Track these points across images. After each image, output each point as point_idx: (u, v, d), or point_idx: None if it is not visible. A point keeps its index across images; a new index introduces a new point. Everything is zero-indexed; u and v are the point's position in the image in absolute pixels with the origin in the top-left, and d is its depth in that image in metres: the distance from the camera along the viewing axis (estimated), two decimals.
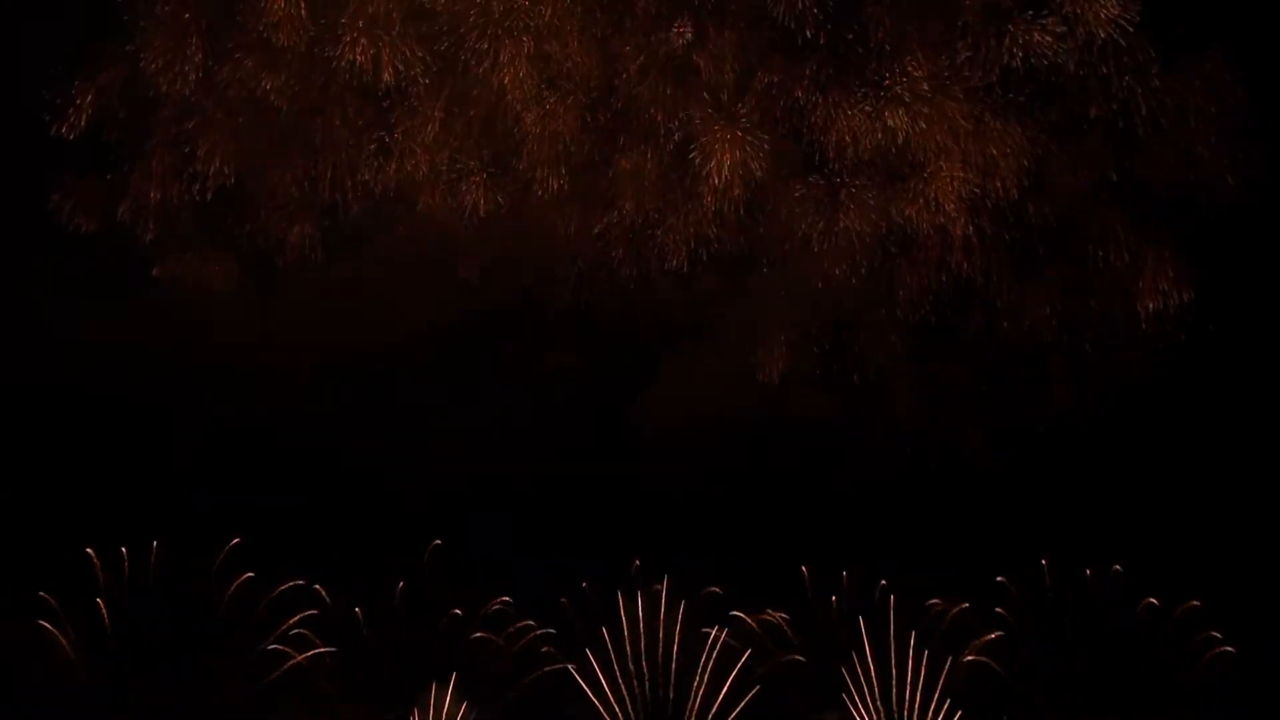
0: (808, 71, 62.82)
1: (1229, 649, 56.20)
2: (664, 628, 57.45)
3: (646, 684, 56.80)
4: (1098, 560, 58.50)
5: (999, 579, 57.92)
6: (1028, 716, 56.13)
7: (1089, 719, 55.73)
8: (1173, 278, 61.98)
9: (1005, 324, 62.63)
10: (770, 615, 58.00)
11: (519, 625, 56.70)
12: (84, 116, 58.43)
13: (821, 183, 62.92)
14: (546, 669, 56.60)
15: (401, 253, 59.60)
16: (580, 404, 60.07)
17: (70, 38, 57.91)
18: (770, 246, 62.56)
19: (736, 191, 62.67)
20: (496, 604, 56.69)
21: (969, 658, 56.48)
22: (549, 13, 61.67)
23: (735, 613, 57.95)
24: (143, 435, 57.62)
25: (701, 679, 57.19)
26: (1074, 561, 58.56)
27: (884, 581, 58.03)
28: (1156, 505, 58.64)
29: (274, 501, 56.48)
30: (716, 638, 57.31)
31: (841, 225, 62.42)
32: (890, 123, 62.51)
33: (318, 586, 56.51)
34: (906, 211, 63.20)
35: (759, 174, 62.55)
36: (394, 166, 61.13)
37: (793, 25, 62.35)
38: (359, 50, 61.20)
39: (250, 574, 56.32)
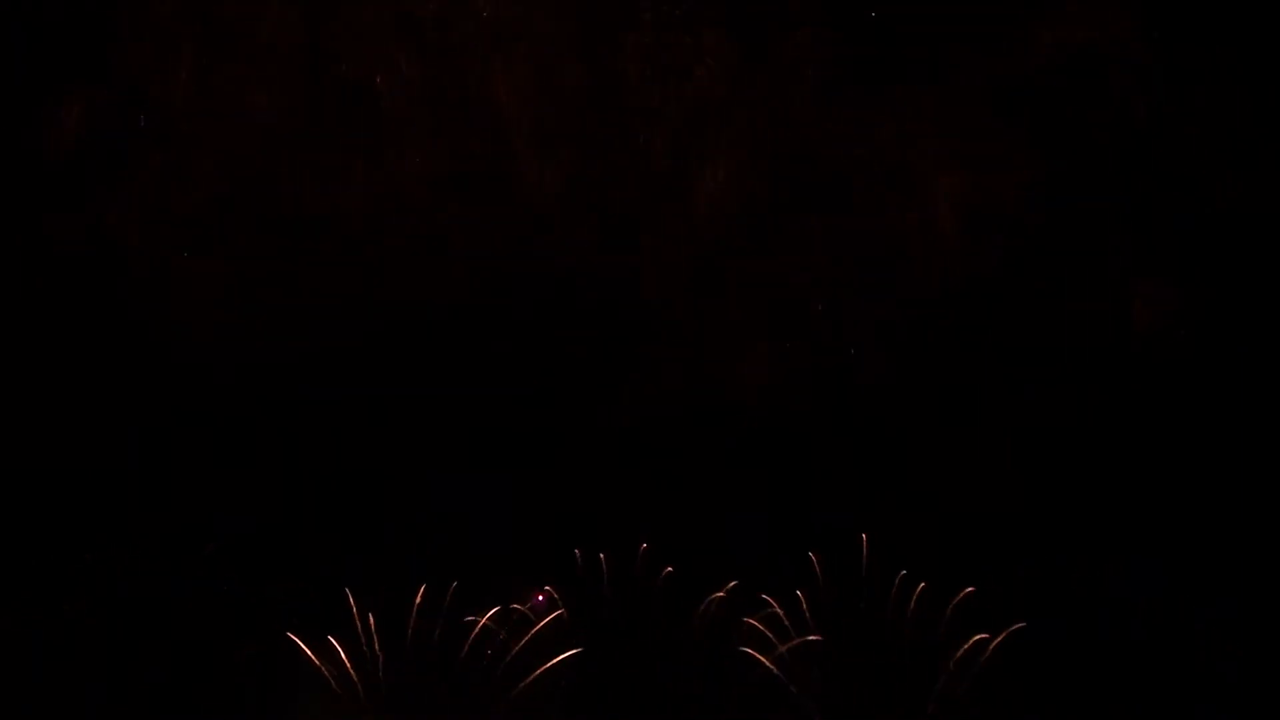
0: (806, 77, 63.22)
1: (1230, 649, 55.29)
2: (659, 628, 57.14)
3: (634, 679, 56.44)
4: (1092, 560, 57.83)
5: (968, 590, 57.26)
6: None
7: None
8: (1175, 281, 61.52)
9: (1002, 326, 62.14)
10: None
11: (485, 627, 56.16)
12: (70, 138, 59.14)
13: (817, 187, 63.07)
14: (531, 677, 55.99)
15: (382, 249, 59.80)
16: (551, 402, 59.94)
17: (53, 46, 58.57)
18: (760, 246, 62.30)
19: (730, 196, 63.07)
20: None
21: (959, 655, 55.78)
22: (542, 21, 62.35)
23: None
24: (126, 434, 57.80)
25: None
26: (1066, 562, 57.84)
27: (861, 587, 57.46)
28: (1153, 506, 57.99)
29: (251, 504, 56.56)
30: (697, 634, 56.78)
31: (835, 227, 62.38)
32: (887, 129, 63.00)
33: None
34: (904, 219, 63.37)
35: (753, 180, 63.17)
36: (388, 170, 61.82)
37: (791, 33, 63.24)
38: (352, 58, 62.18)
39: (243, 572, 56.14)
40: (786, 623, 56.05)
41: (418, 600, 54.73)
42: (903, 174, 63.56)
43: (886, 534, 57.85)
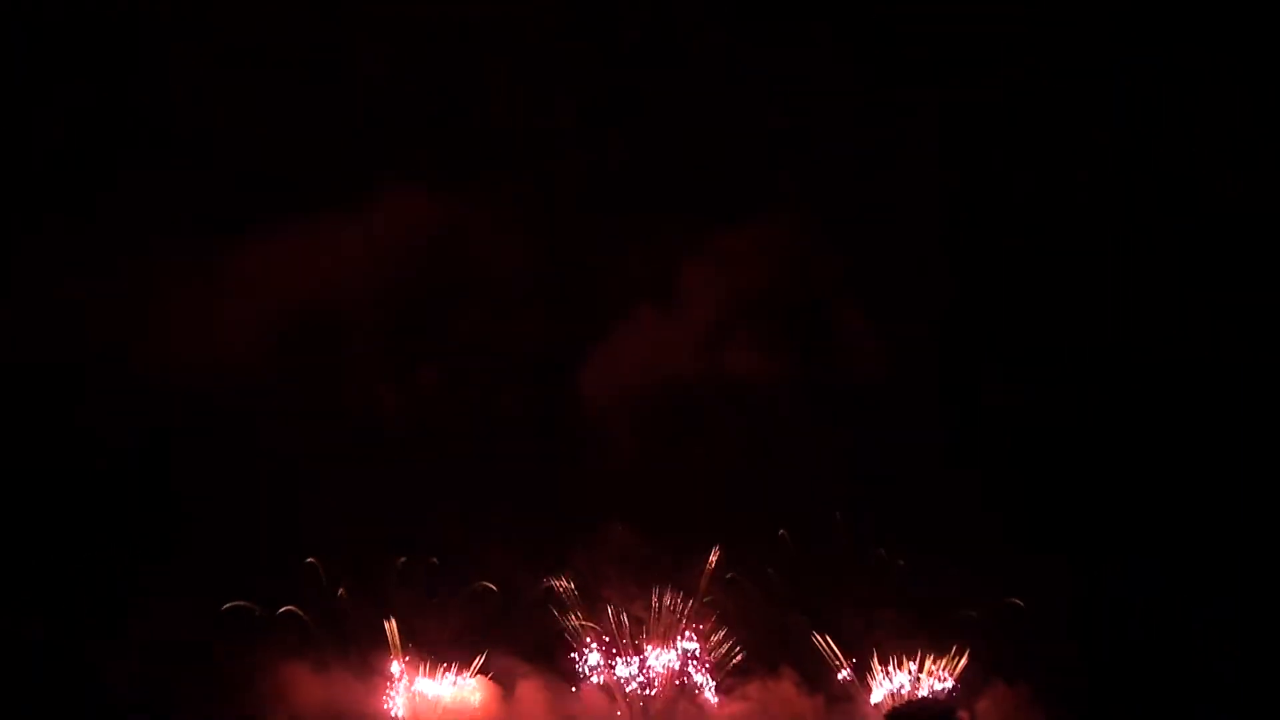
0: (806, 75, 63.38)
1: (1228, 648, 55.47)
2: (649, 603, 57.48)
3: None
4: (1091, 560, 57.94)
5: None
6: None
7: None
8: (1175, 281, 61.63)
9: (1002, 326, 62.22)
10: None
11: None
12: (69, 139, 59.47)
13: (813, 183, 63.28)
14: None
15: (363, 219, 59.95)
16: (534, 369, 60.57)
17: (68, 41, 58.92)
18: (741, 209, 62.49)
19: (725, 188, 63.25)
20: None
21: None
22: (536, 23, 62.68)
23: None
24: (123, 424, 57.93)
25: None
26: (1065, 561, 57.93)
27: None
28: (1151, 506, 58.07)
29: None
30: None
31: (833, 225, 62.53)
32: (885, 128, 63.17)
33: None
34: (903, 218, 63.47)
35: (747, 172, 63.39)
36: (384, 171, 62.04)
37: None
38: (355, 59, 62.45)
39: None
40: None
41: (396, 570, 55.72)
42: (902, 174, 63.79)
43: (883, 531, 58.29)
